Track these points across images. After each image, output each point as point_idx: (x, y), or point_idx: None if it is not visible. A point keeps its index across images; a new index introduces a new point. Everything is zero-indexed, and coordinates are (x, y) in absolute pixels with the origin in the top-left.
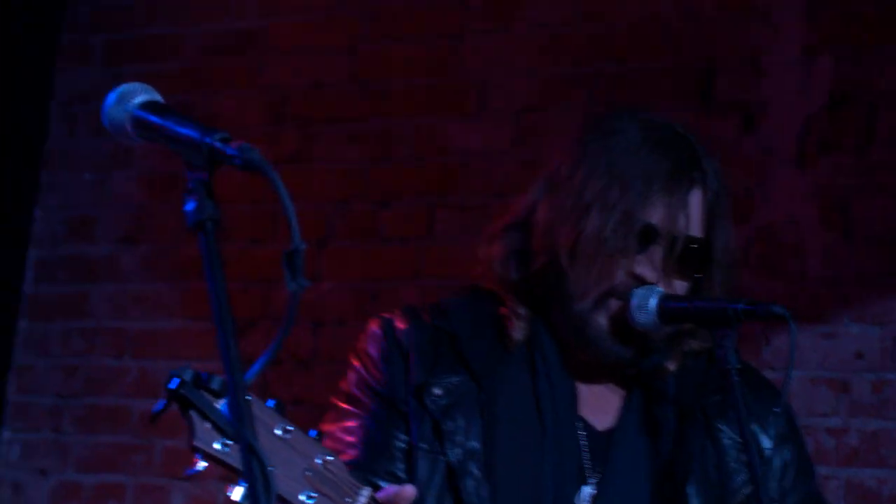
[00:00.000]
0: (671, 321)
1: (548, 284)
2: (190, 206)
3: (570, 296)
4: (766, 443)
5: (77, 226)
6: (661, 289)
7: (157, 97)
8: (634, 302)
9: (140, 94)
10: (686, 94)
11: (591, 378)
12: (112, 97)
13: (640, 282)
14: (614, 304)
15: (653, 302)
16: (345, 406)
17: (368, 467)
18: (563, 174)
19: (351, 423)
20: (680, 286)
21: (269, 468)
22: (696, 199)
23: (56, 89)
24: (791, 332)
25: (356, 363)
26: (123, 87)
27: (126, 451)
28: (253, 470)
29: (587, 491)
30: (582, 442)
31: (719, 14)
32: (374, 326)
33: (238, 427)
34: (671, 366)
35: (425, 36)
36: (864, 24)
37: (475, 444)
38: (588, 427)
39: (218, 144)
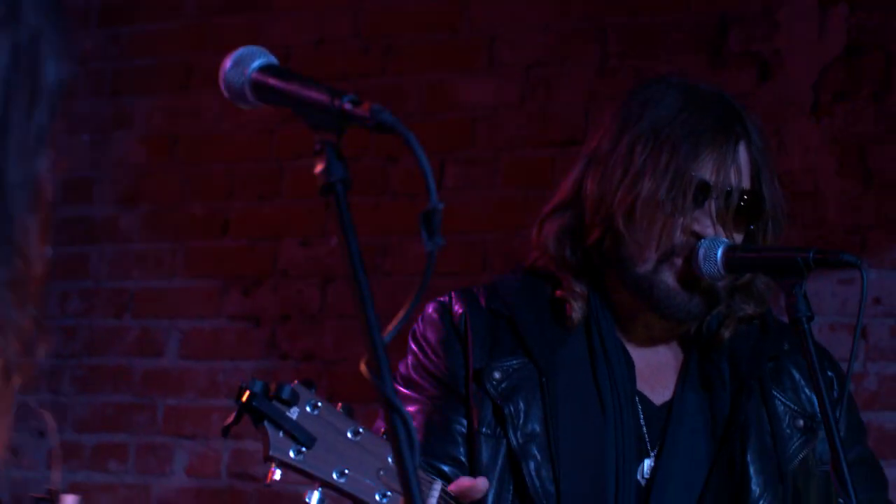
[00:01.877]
0: (738, 270)
1: (605, 255)
2: (318, 168)
3: (631, 261)
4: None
5: (76, 187)
6: (725, 239)
7: (274, 60)
8: (701, 252)
9: (258, 58)
10: (699, 46)
11: (648, 352)
12: (228, 62)
13: (699, 237)
14: (677, 261)
15: (719, 251)
16: (403, 390)
17: (430, 451)
18: (606, 147)
19: (411, 408)
20: (736, 238)
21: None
22: (742, 153)
23: None
24: (863, 281)
25: (414, 347)
26: (240, 52)
27: (127, 410)
28: (397, 426)
29: (648, 464)
30: (640, 417)
31: None
32: (431, 311)
33: (381, 385)
34: (727, 333)
35: None
36: None
37: (536, 427)
38: (645, 401)
39: (348, 106)
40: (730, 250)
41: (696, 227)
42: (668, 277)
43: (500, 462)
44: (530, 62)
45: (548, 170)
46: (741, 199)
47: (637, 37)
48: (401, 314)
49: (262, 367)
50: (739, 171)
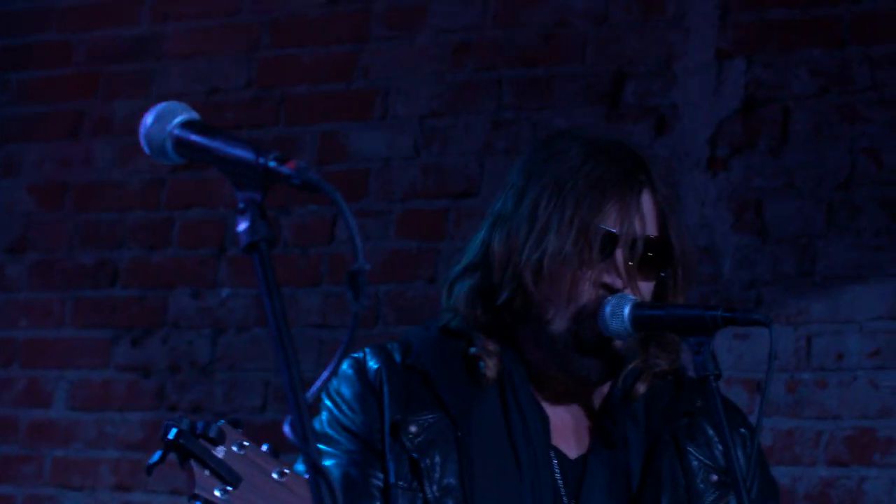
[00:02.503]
0: (645, 328)
1: (517, 314)
2: (242, 226)
3: (542, 320)
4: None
5: None
6: (633, 297)
7: (196, 116)
8: (608, 310)
9: (180, 114)
10: (596, 99)
11: (562, 407)
12: (150, 117)
13: (609, 290)
14: (584, 316)
15: (626, 309)
16: (319, 446)
17: None
18: (510, 205)
19: (327, 463)
20: (646, 287)
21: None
22: (647, 201)
23: None
24: (771, 340)
25: (329, 403)
26: (161, 107)
27: (14, 462)
28: (321, 488)
29: None
30: (556, 472)
31: (630, 18)
32: (345, 366)
33: (305, 447)
34: (642, 388)
35: (327, 42)
36: (777, 29)
37: (452, 481)
38: (561, 456)
39: (273, 164)
40: (637, 307)
41: (606, 279)
42: (577, 337)
43: None
44: (424, 113)
45: (442, 222)
46: (648, 247)
47: (532, 88)
48: (325, 374)
49: (150, 419)
50: (644, 219)
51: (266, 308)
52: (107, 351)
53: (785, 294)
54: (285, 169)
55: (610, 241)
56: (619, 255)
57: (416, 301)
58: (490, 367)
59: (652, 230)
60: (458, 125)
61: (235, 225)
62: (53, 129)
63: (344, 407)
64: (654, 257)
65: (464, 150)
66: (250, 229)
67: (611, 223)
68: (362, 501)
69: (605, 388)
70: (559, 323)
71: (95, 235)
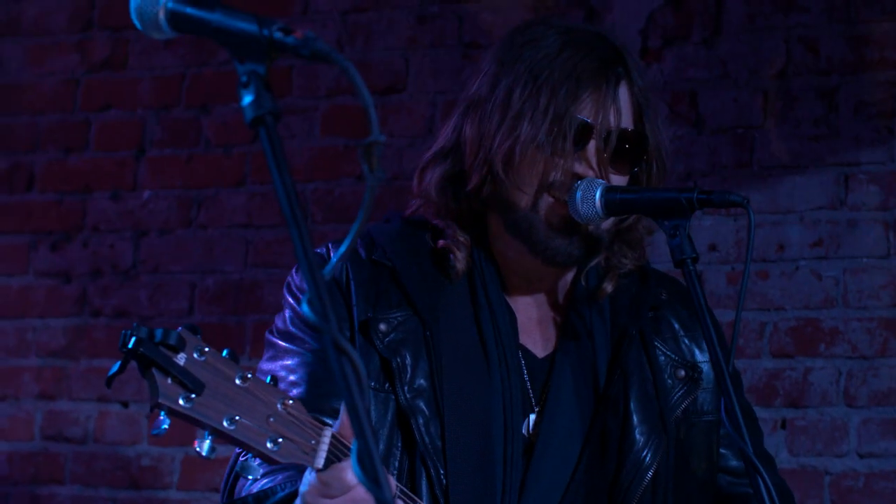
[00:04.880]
0: (618, 212)
1: (486, 201)
2: (246, 100)
3: (511, 204)
4: (699, 356)
5: None
6: (603, 181)
7: None
8: (578, 195)
9: None
10: None
11: (530, 306)
12: None
13: (579, 179)
14: (555, 201)
15: (598, 192)
16: (283, 344)
17: (314, 405)
18: (484, 91)
19: (290, 361)
20: (618, 181)
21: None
22: (624, 94)
23: None
24: (749, 221)
25: (291, 300)
26: None
27: None
28: (345, 369)
29: (532, 419)
30: (524, 371)
31: None
32: None
33: (326, 326)
34: (609, 287)
35: None
36: None
37: (423, 382)
38: (528, 354)
39: (279, 35)
40: (609, 191)
41: (578, 169)
42: (545, 218)
43: (389, 418)
44: (346, 8)
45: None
46: (622, 139)
47: None
48: (341, 249)
49: (72, 325)
50: (619, 111)
51: (275, 184)
52: (25, 257)
53: (722, 185)
54: (291, 39)
55: (584, 131)
56: (592, 145)
57: (345, 199)
58: (459, 260)
59: (627, 123)
60: (381, 20)
61: (240, 99)
62: None
63: None
64: (628, 150)
65: (388, 45)
66: (255, 103)
67: (586, 113)
68: (330, 399)
69: (569, 285)
70: (529, 209)
71: (8, 139)
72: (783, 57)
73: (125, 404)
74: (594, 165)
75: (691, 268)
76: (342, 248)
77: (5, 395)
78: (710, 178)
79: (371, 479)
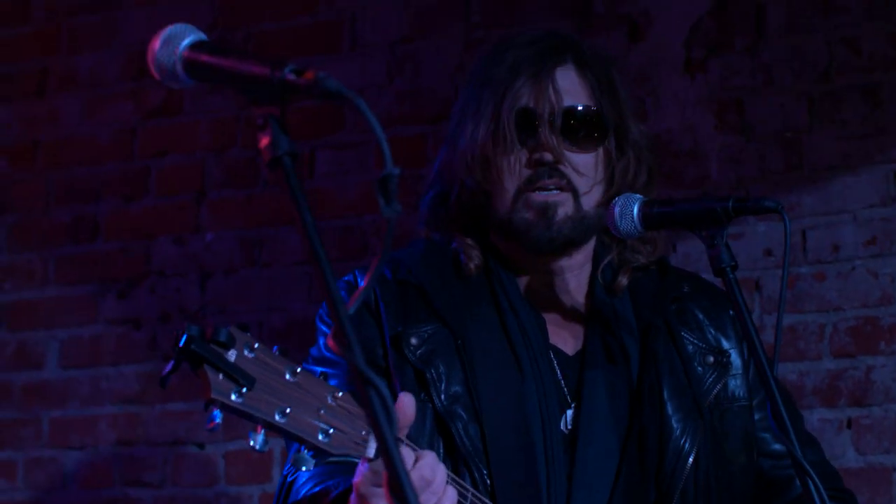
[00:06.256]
0: (656, 226)
1: (469, 211)
2: (263, 142)
3: (491, 207)
4: (725, 344)
5: None
6: (639, 196)
7: (204, 37)
8: (616, 210)
9: (188, 35)
10: (566, 11)
11: (553, 304)
12: (158, 42)
13: (540, 165)
14: (529, 196)
15: (635, 208)
16: (320, 369)
17: None
18: (453, 121)
19: (331, 382)
20: (581, 159)
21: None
22: (569, 75)
23: None
24: (785, 226)
25: (324, 327)
26: (169, 30)
27: (11, 426)
28: (372, 399)
29: (570, 414)
30: (556, 370)
31: None
32: None
33: (351, 357)
34: (624, 280)
35: None
36: None
37: (458, 389)
38: (559, 353)
39: (291, 76)
40: (646, 206)
41: (535, 156)
42: (526, 213)
43: (427, 425)
44: (394, 39)
45: (421, 147)
46: (571, 117)
47: (500, 5)
48: (366, 283)
49: (145, 371)
50: (559, 91)
51: (299, 222)
52: (94, 306)
53: (774, 190)
54: (304, 80)
55: (526, 116)
56: (544, 130)
57: (401, 229)
58: (473, 258)
59: (576, 101)
60: (428, 48)
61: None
62: (18, 88)
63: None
64: (583, 128)
65: (436, 73)
66: (272, 144)
67: (525, 100)
68: None
69: (587, 282)
70: (504, 208)
71: (70, 191)
72: (826, 58)
73: (201, 446)
74: (550, 148)
75: (731, 276)
76: (368, 282)
77: (83, 444)
78: (761, 185)
79: None
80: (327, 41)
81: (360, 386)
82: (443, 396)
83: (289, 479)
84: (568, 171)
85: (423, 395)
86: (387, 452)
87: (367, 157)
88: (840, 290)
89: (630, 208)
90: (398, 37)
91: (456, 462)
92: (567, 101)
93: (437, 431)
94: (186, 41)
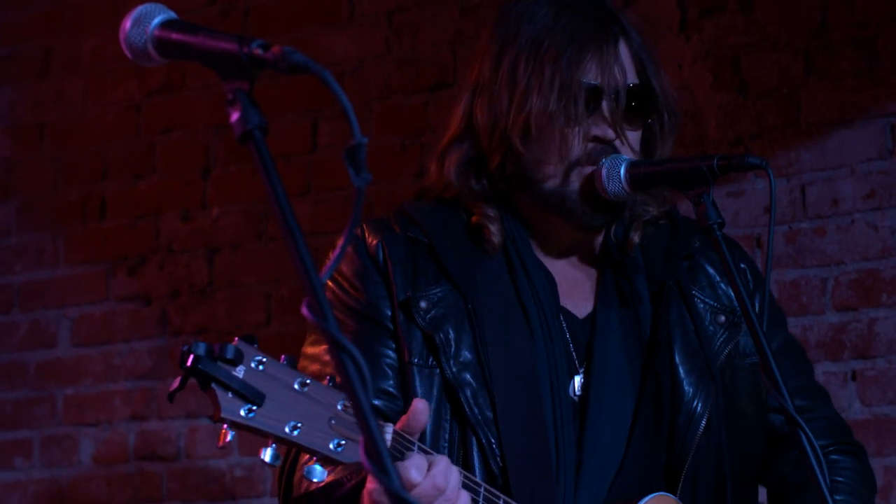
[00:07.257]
0: (643, 186)
1: (510, 179)
2: (233, 117)
3: (537, 180)
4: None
5: None
6: (625, 156)
7: (174, 15)
8: (604, 172)
9: (158, 14)
10: None
11: (566, 267)
12: (128, 22)
13: (599, 142)
14: (582, 171)
15: (622, 169)
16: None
17: None
18: (488, 73)
19: None
20: (633, 136)
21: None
22: (624, 50)
23: None
24: (770, 182)
25: (330, 284)
26: (139, 10)
27: (26, 404)
28: (346, 365)
29: (578, 380)
30: (566, 333)
31: None
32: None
33: (325, 325)
34: (636, 237)
35: None
36: None
37: (468, 355)
38: (569, 316)
39: (259, 51)
40: (633, 167)
41: (596, 132)
42: (575, 190)
43: (435, 392)
44: (391, 8)
45: (421, 115)
46: (631, 95)
47: None
48: (335, 253)
49: (157, 346)
50: (624, 68)
51: (268, 194)
52: (104, 283)
53: (773, 146)
54: (270, 54)
55: (594, 93)
56: (605, 106)
57: (406, 195)
58: (494, 234)
59: (633, 78)
60: (425, 16)
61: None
62: (23, 69)
63: (346, 286)
64: (638, 105)
65: (435, 41)
66: (242, 119)
67: (592, 76)
68: (376, 381)
69: (600, 243)
70: (554, 180)
71: (78, 171)
72: (819, 13)
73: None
74: (611, 124)
75: (718, 233)
76: (339, 250)
77: (98, 420)
78: (759, 141)
79: (379, 469)
80: (326, 12)
81: (334, 352)
82: (452, 363)
83: (293, 469)
84: (624, 148)
85: (431, 360)
86: (364, 422)
87: (369, 125)
88: (840, 243)
89: (617, 169)
90: (395, 6)
91: (463, 429)
92: (630, 79)
93: (445, 399)
94: (157, 20)
